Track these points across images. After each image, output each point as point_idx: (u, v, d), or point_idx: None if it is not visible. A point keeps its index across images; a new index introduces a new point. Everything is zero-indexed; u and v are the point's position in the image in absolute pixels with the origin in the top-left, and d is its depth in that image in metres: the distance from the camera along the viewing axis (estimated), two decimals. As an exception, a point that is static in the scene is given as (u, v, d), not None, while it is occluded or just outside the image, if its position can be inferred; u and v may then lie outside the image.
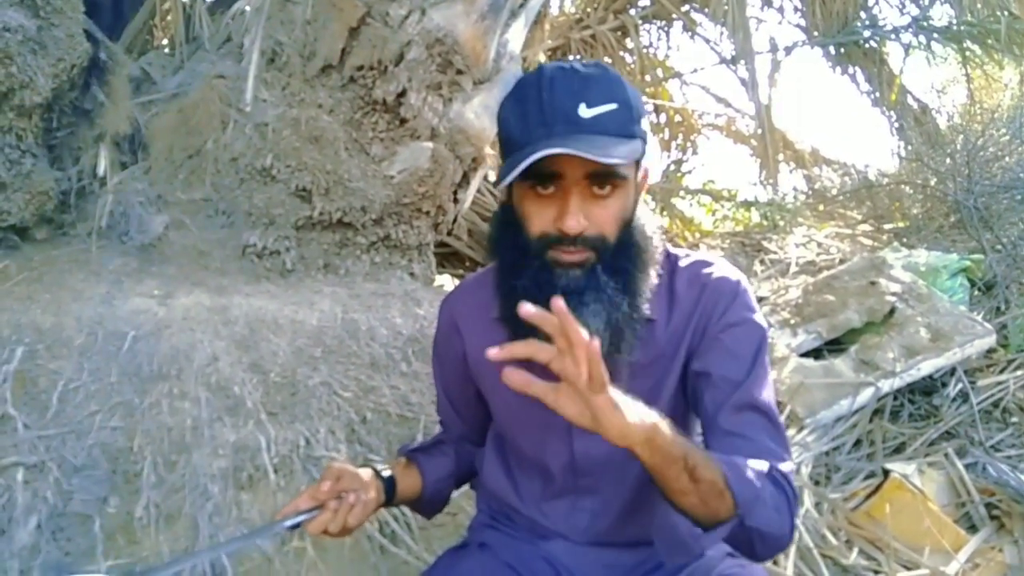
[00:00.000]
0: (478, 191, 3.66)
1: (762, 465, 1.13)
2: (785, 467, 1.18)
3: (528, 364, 1.32)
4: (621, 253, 1.20)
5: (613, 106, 1.14)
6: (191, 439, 2.09)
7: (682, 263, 1.34)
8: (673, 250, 1.36)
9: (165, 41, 4.29)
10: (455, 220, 3.33)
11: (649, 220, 1.25)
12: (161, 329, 2.27)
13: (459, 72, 2.91)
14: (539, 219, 1.18)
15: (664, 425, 1.05)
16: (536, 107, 1.15)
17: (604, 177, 1.15)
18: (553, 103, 1.14)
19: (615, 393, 1.00)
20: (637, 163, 1.21)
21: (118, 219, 2.66)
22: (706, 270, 1.32)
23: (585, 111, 1.13)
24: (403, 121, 2.89)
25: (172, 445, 2.07)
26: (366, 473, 1.34)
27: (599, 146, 1.10)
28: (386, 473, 1.38)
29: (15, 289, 2.35)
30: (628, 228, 1.21)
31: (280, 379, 2.33)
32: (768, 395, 1.26)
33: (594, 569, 1.39)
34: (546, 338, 0.99)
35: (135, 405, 2.10)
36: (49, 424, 2.00)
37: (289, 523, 1.20)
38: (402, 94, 2.84)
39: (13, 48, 2.39)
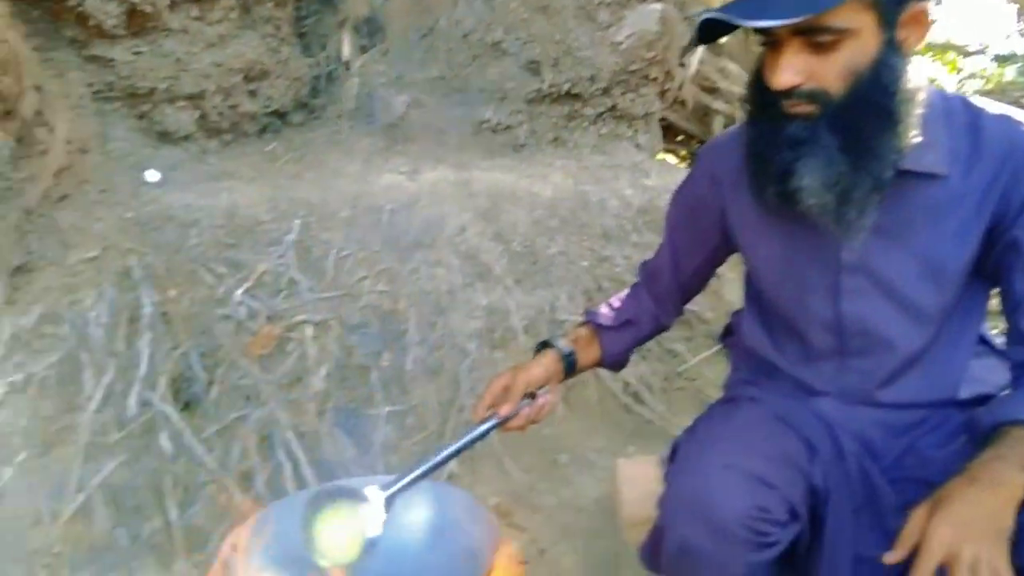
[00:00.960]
0: (701, 60, 3.50)
1: None
2: None
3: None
4: (850, 109, 1.13)
5: None
6: (447, 303, 2.26)
7: (987, 116, 1.22)
8: (975, 101, 1.24)
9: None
10: (681, 87, 3.22)
11: (908, 74, 1.14)
12: (413, 202, 2.43)
13: (688, -75, 2.75)
14: (769, 72, 1.15)
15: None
16: None
17: (815, 31, 1.08)
18: None
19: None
20: (891, 10, 1.10)
21: (364, 101, 2.82)
22: (1019, 128, 1.20)
23: None
24: (629, -16, 2.79)
25: (432, 307, 2.25)
26: (551, 360, 1.41)
27: (773, 3, 1.04)
28: (569, 357, 1.43)
29: (284, 168, 2.60)
30: (861, 83, 1.12)
31: (521, 248, 2.43)
32: None
33: (867, 428, 1.36)
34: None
35: (397, 271, 2.29)
36: (328, 288, 2.23)
37: (488, 426, 1.29)
38: (628, -45, 2.74)
39: (266, -61, 2.54)
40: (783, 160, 1.18)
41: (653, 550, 1.39)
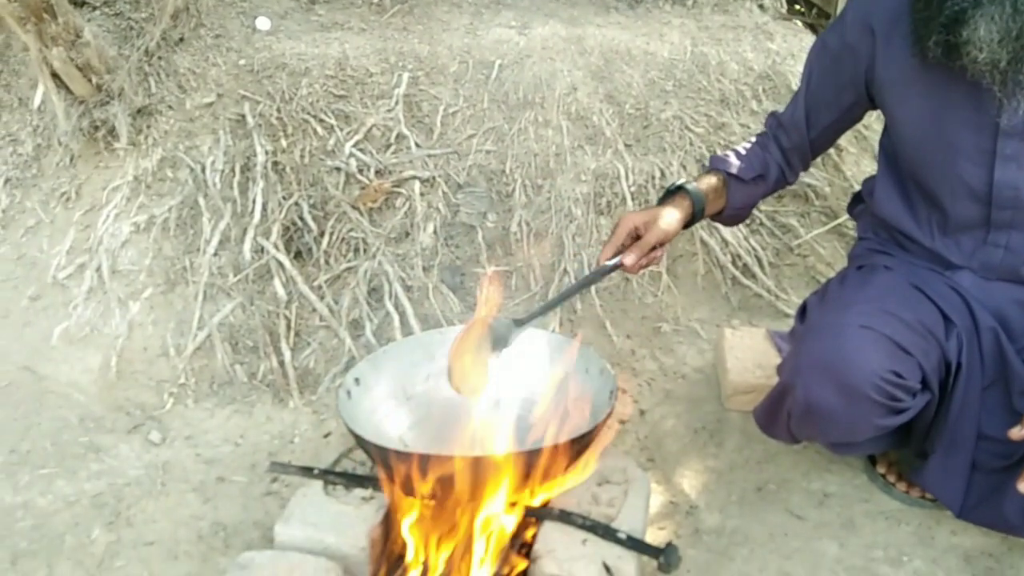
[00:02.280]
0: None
1: None
2: None
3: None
4: None
5: None
6: (555, 165, 2.21)
7: None
8: None
9: None
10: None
11: None
12: (523, 58, 2.35)
13: None
14: None
15: None
16: None
17: None
18: None
19: None
20: None
21: (473, -49, 2.70)
22: None
23: None
24: None
25: (538, 170, 2.20)
26: (687, 212, 1.34)
27: None
28: (700, 209, 1.37)
29: (392, 21, 2.53)
30: None
31: (634, 111, 2.34)
32: None
33: (1005, 305, 1.29)
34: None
35: (505, 131, 2.24)
36: (435, 145, 2.21)
37: (610, 267, 1.29)
38: None
39: None
40: (957, 4, 1.07)
41: (769, 413, 1.38)
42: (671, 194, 1.38)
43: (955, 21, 1.08)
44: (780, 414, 1.33)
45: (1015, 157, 1.20)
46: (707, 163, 1.51)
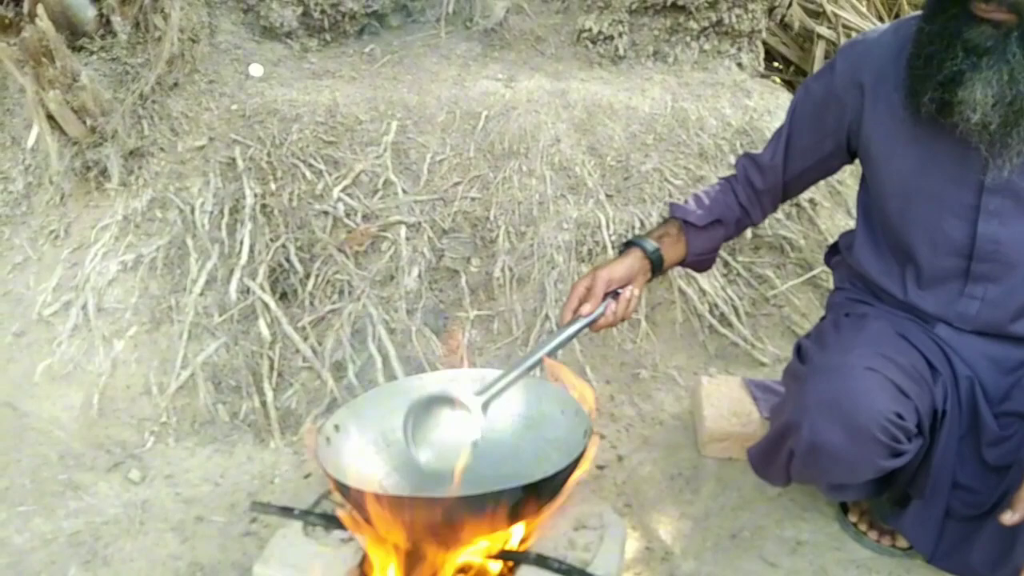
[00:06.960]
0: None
1: None
2: None
3: None
4: None
5: None
6: (538, 213, 2.26)
7: None
8: None
9: None
10: (790, 5, 3.07)
11: None
12: (509, 110, 2.42)
13: None
14: None
15: None
16: None
17: None
18: None
19: None
20: None
21: (463, 5, 2.78)
22: None
23: None
24: None
25: (522, 217, 2.25)
26: (635, 259, 1.37)
27: None
28: (656, 254, 1.39)
29: (382, 70, 2.60)
30: None
31: (615, 163, 2.40)
32: None
33: (977, 360, 1.33)
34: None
35: (490, 179, 2.30)
36: (422, 191, 2.26)
37: (579, 327, 1.30)
38: None
39: None
40: (956, 66, 1.11)
41: (767, 453, 1.40)
42: (630, 246, 1.41)
43: (952, 81, 1.12)
44: (779, 454, 1.35)
45: (998, 213, 1.25)
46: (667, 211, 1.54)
